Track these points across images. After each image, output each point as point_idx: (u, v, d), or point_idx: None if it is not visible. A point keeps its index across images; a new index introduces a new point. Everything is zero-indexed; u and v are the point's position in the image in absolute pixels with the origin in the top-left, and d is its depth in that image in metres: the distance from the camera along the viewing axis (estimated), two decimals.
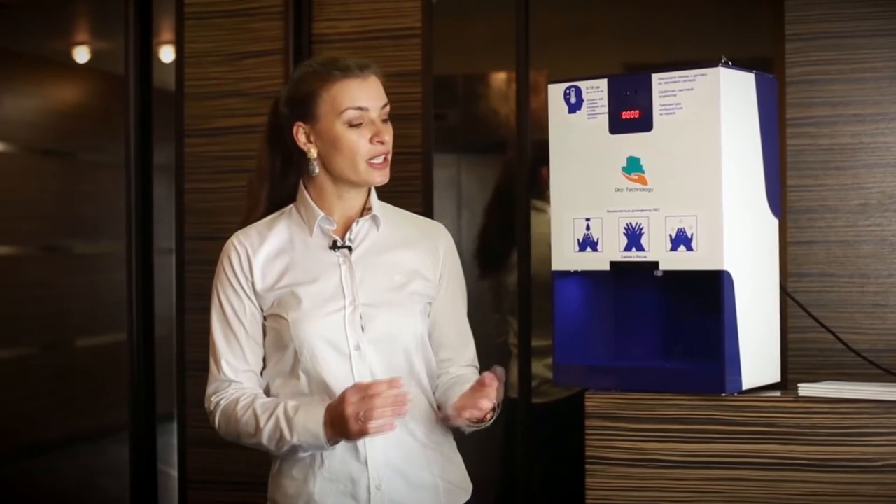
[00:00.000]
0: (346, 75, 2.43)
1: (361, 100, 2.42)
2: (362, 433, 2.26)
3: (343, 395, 2.29)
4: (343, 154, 2.42)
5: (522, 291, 3.49)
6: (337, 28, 3.62)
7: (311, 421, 2.32)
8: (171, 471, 4.02)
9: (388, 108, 2.47)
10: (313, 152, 2.46)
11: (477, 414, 2.34)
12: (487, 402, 2.32)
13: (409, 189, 3.54)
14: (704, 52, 2.42)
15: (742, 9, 3.62)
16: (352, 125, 2.42)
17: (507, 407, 3.91)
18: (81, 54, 6.63)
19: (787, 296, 2.66)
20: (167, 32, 4.07)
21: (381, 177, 2.46)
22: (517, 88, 3.56)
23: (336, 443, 2.34)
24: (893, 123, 3.04)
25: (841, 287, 3.08)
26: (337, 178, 2.46)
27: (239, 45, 3.69)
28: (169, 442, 4.15)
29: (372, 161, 2.43)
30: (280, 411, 2.36)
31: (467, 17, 4.26)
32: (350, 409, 2.25)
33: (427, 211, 3.54)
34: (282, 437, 2.35)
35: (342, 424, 2.27)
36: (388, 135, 2.45)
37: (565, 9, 4.43)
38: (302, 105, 2.46)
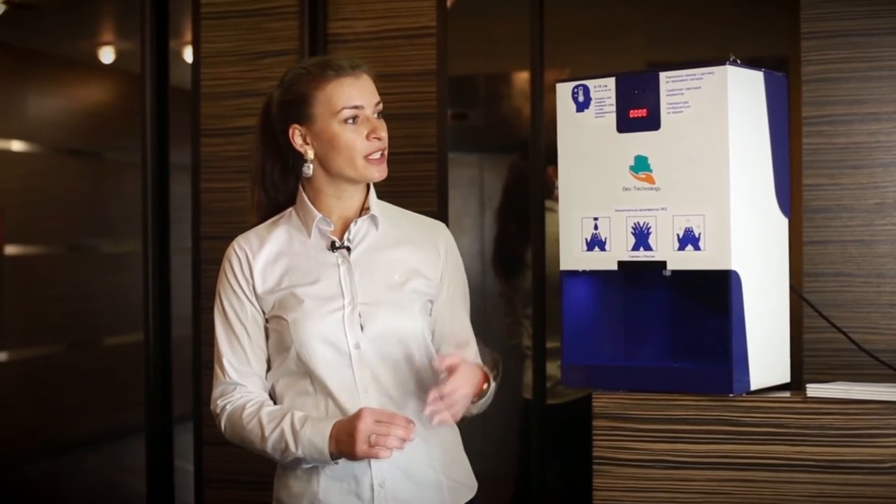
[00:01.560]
0: (340, 74, 2.43)
1: (356, 98, 2.43)
2: (367, 455, 2.29)
3: (360, 412, 2.30)
4: (341, 152, 2.43)
5: (537, 292, 3.48)
6: (352, 27, 3.62)
7: (316, 435, 2.34)
8: (191, 468, 4.03)
9: (381, 106, 2.48)
10: (310, 153, 2.47)
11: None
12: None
13: (424, 189, 3.54)
14: (722, 50, 2.39)
15: (758, 7, 3.60)
16: (348, 123, 2.42)
17: (522, 408, 3.94)
18: (107, 55, 6.68)
19: (798, 296, 2.64)
20: (189, 33, 4.09)
21: (379, 172, 2.46)
22: (532, 88, 3.55)
23: (339, 458, 2.35)
24: None
25: (857, 287, 3.06)
26: (335, 177, 2.47)
27: (255, 45, 3.70)
28: (190, 441, 4.17)
29: (370, 157, 2.43)
30: (286, 423, 2.37)
31: (490, 16, 4.26)
32: (364, 426, 2.27)
33: (443, 210, 3.53)
34: (286, 448, 2.37)
35: (350, 439, 2.29)
36: (383, 131, 2.45)
37: (588, 8, 4.43)
38: (296, 107, 2.46)
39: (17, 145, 6.45)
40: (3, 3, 5.45)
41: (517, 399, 3.90)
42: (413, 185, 3.54)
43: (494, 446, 3.97)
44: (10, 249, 6.35)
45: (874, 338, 3.01)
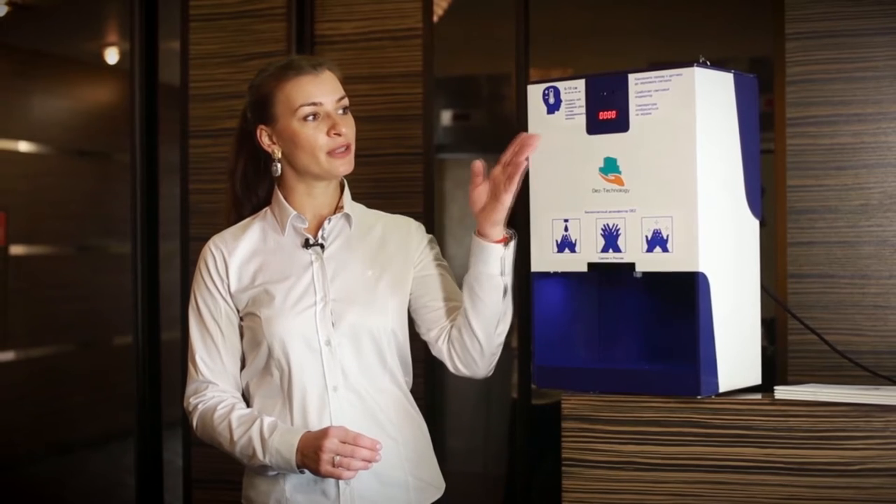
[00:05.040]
0: (299, 73, 2.46)
1: (314, 95, 2.44)
2: (330, 474, 2.31)
3: (326, 431, 2.32)
4: (303, 149, 2.45)
5: (522, 291, 3.48)
6: (339, 29, 3.63)
7: (284, 446, 2.35)
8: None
9: (345, 101, 2.49)
10: (277, 153, 2.50)
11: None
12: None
13: (410, 190, 3.55)
14: (708, 51, 2.39)
15: (743, 7, 3.60)
16: (307, 121, 2.44)
17: (508, 407, 3.94)
18: (111, 55, 6.70)
19: (772, 297, 2.63)
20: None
21: (344, 166, 2.47)
22: (516, 88, 3.55)
23: (304, 469, 2.36)
24: (894, 123, 3.01)
25: (841, 288, 3.05)
26: (303, 175, 2.49)
27: (243, 47, 3.71)
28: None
29: (333, 152, 2.44)
30: (255, 429, 2.39)
31: (495, 16, 4.27)
32: (329, 445, 2.29)
33: (429, 212, 3.54)
34: (254, 454, 2.38)
35: (314, 456, 2.30)
36: (345, 126, 2.46)
37: (586, 8, 4.43)
38: (261, 108, 2.50)
39: (23, 146, 6.48)
40: (6, 3, 5.48)
41: (506, 398, 3.90)
42: (399, 186, 3.54)
43: (480, 445, 3.97)
44: (17, 249, 6.39)
45: (858, 339, 3.01)
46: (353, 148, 2.48)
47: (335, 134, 2.44)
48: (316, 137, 2.44)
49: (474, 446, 3.93)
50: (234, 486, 3.00)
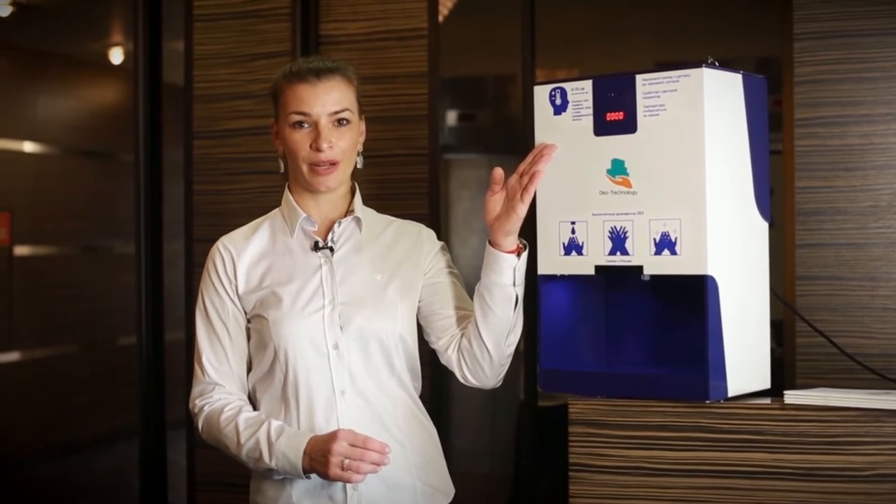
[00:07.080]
0: (301, 80, 2.44)
1: (305, 105, 2.43)
2: (339, 477, 2.29)
3: (335, 434, 2.30)
4: (291, 156, 2.47)
5: (528, 294, 3.46)
6: (344, 29, 3.62)
7: (291, 450, 2.33)
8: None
9: (344, 114, 2.45)
10: (280, 150, 2.51)
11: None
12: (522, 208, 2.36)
13: (415, 191, 3.53)
14: (715, 51, 2.37)
15: (751, 7, 3.57)
16: (296, 128, 2.43)
17: (514, 409, 3.92)
18: (116, 55, 6.69)
19: (780, 300, 2.60)
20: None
21: (323, 183, 2.45)
22: (523, 89, 3.53)
23: (311, 474, 2.34)
24: None
25: (851, 290, 3.02)
26: (299, 179, 2.47)
27: (248, 47, 3.70)
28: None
29: (313, 166, 2.43)
30: (262, 432, 2.37)
31: (498, 16, 4.26)
32: (338, 448, 2.27)
33: (434, 213, 3.52)
34: (260, 457, 2.37)
35: (323, 459, 2.29)
36: (330, 141, 2.42)
37: (592, 8, 4.41)
38: (273, 105, 2.52)
39: (27, 146, 6.47)
40: (10, 3, 5.47)
41: (513, 400, 3.88)
42: (405, 187, 3.53)
43: (486, 446, 3.96)
44: (21, 250, 6.38)
45: (868, 342, 2.98)
46: (341, 164, 2.45)
47: (315, 148, 2.42)
48: (300, 147, 2.44)
49: (480, 448, 3.92)
50: (238, 489, 3.00)
